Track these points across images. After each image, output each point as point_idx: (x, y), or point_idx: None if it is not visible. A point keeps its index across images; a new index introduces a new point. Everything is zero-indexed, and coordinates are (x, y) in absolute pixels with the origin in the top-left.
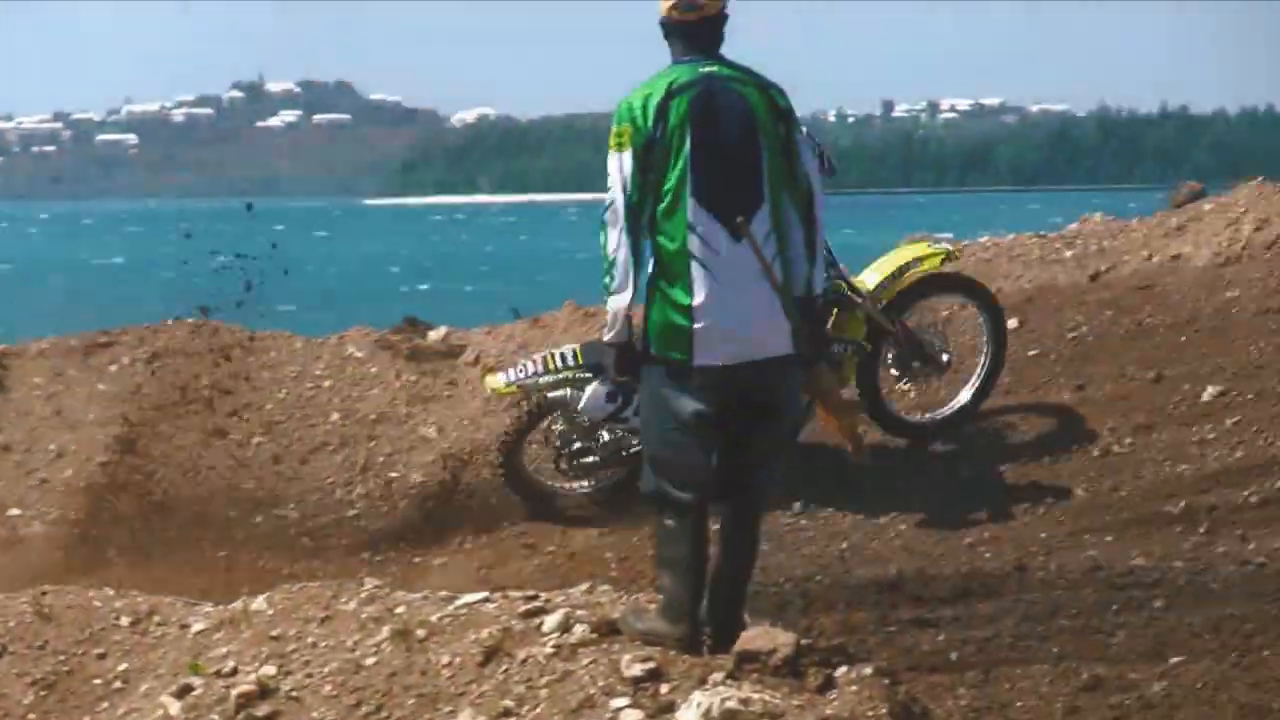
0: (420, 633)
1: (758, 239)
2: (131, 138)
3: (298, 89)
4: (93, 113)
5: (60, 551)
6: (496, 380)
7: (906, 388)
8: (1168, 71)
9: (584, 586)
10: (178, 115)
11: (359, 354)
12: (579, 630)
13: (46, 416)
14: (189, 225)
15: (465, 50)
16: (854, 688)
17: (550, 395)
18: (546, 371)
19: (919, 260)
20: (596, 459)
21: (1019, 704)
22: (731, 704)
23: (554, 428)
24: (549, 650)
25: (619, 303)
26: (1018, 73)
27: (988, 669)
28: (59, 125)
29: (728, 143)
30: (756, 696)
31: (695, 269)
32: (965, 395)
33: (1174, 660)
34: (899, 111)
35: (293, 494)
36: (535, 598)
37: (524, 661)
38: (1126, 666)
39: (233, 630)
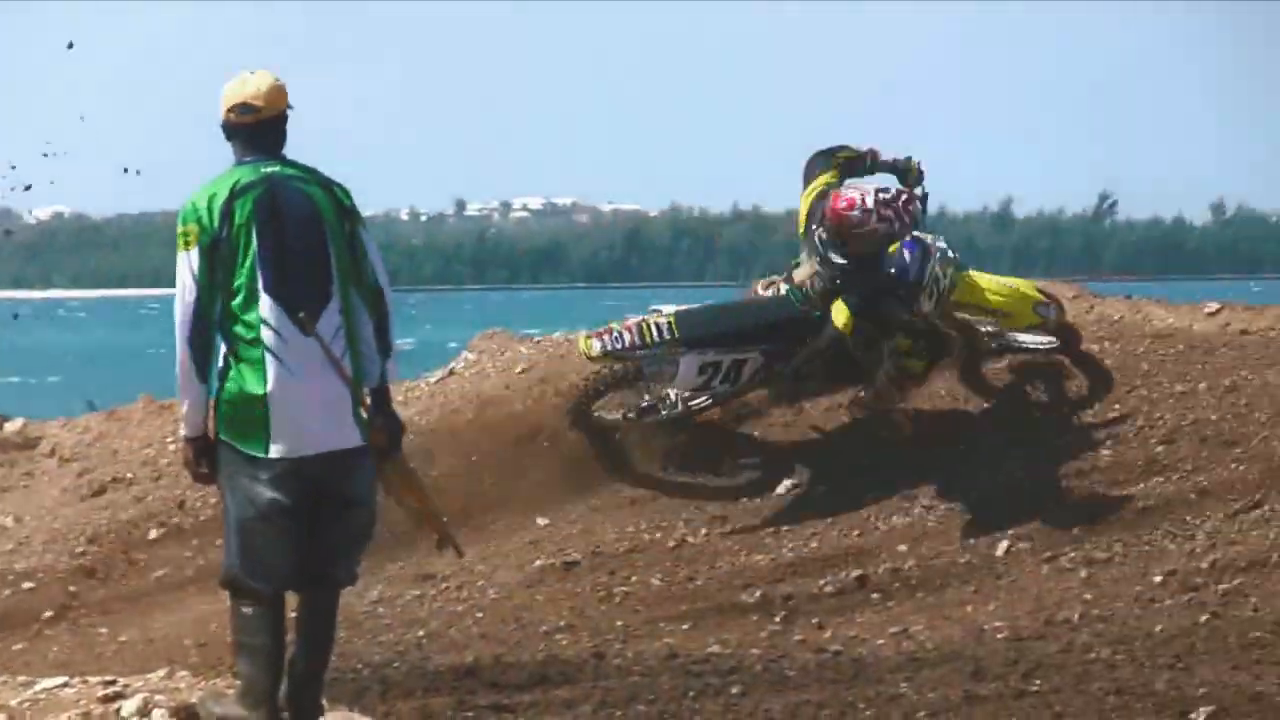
0: (1, 717)
1: (327, 334)
2: None
3: None
4: None
5: None
6: (592, 347)
7: None
8: (739, 172)
9: (163, 672)
10: None
11: None
12: (158, 715)
13: None
14: None
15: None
16: None
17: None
18: (643, 345)
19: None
20: (663, 414)
21: None
22: None
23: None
24: None
25: (190, 397)
26: (589, 173)
27: None
28: None
29: (295, 241)
30: None
31: (269, 361)
32: None
33: None
34: (471, 210)
35: None
36: (114, 683)
37: None
38: None
39: None
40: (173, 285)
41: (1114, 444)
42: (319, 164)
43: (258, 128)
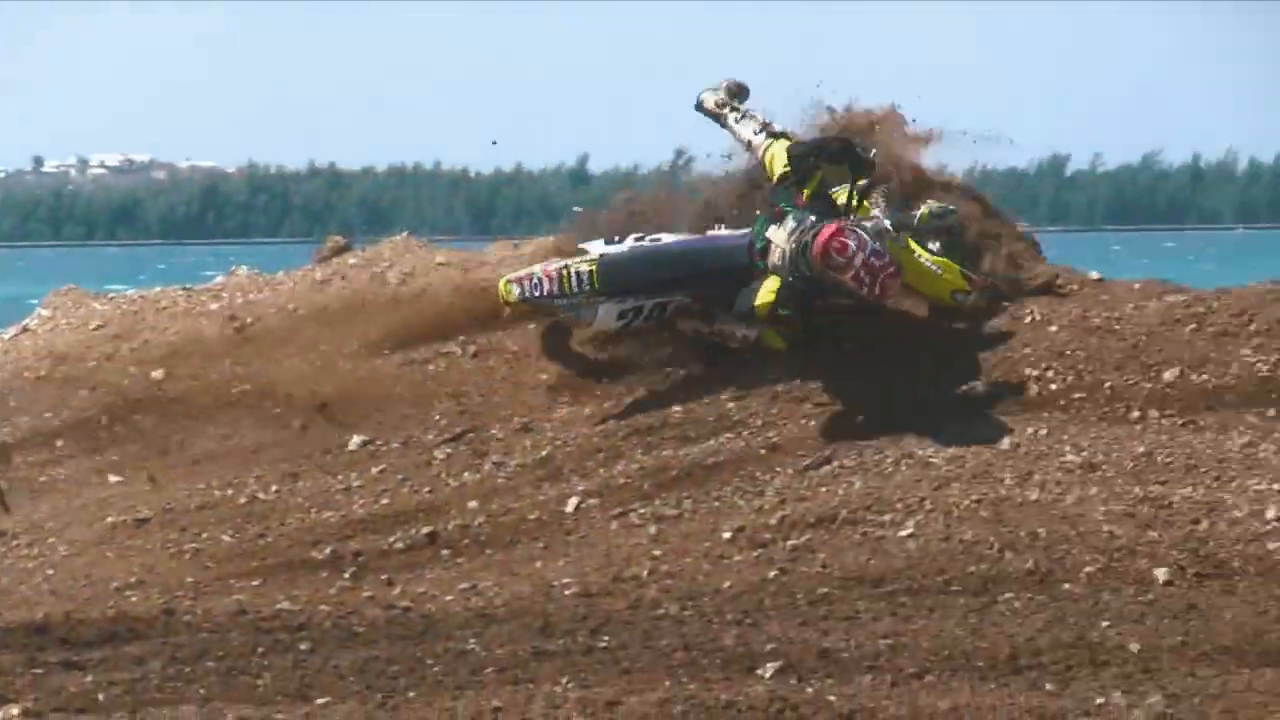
0: None
1: None
2: None
3: None
4: None
5: None
6: (510, 291)
7: None
8: (317, 131)
9: None
10: None
11: None
12: None
13: None
14: None
15: None
16: None
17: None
18: (562, 294)
19: None
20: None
21: None
22: None
23: None
24: None
25: None
26: (168, 131)
27: (134, 709)
28: None
29: None
30: None
31: None
32: None
33: (320, 701)
34: (49, 167)
35: None
36: None
37: None
38: (272, 708)
39: None
40: None
41: (685, 400)
42: None
43: None
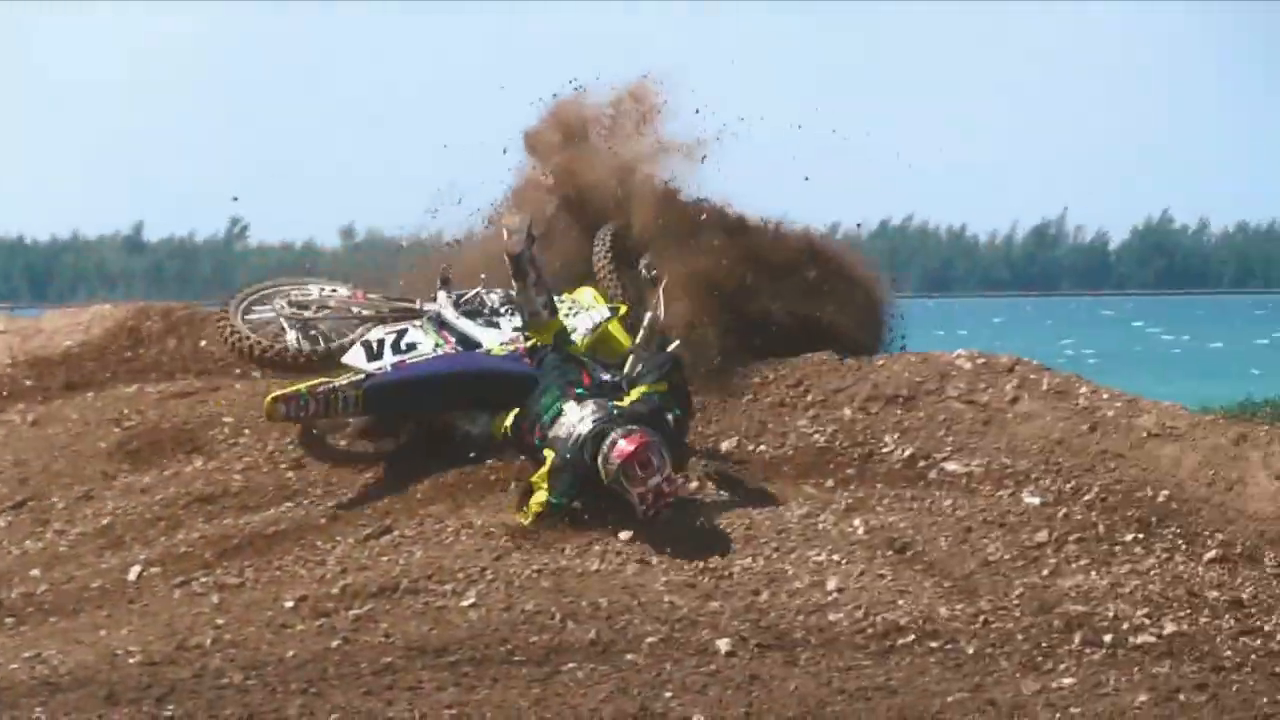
0: None
1: None
2: None
3: None
4: None
5: None
6: (276, 410)
7: None
8: None
9: None
10: None
11: None
12: None
13: None
14: None
15: None
16: None
17: None
18: (327, 415)
19: None
20: None
21: None
22: None
23: None
24: None
25: None
26: None
27: None
28: None
29: None
30: None
31: None
32: None
33: None
34: None
35: None
36: None
37: None
38: None
39: None
40: None
41: (244, 469)
42: None
43: None
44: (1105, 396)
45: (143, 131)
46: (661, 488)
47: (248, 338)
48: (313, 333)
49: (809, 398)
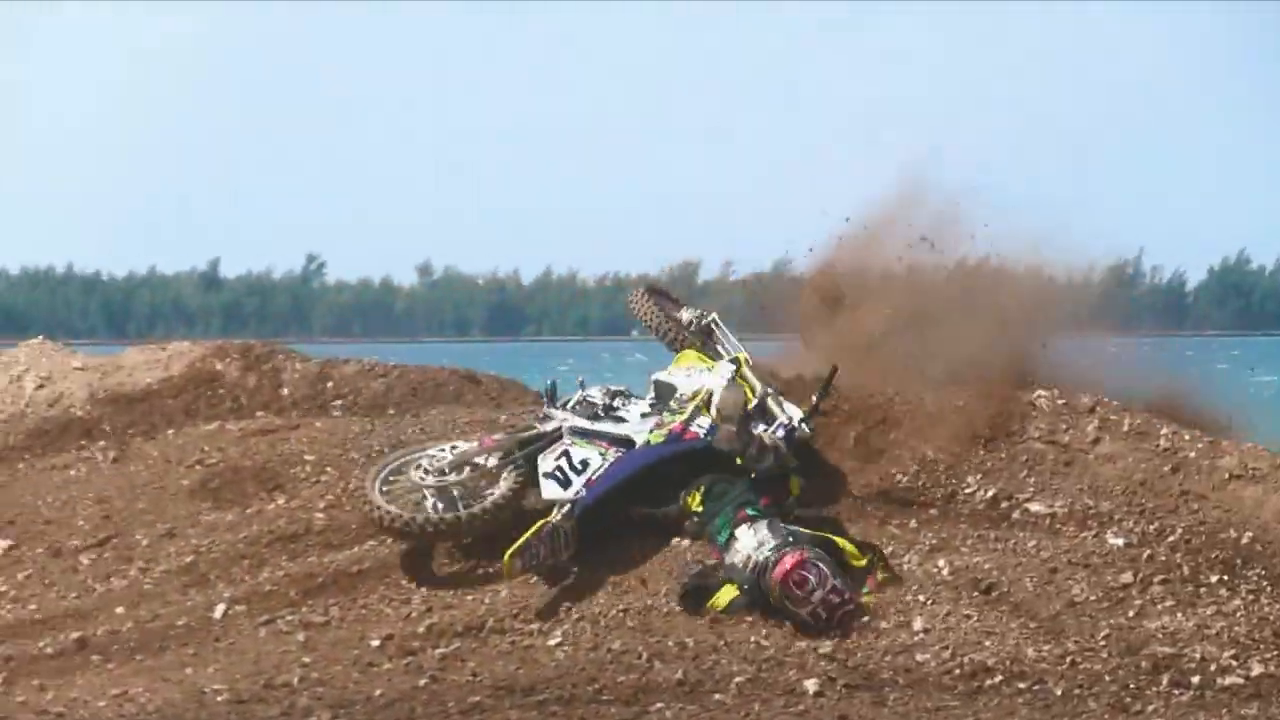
0: None
1: None
2: None
3: None
4: None
5: None
6: (514, 567)
7: None
8: None
9: None
10: None
11: None
12: None
13: None
14: None
15: None
16: None
17: None
18: (553, 553)
19: None
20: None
21: None
22: None
23: None
24: None
25: None
26: None
27: None
28: None
29: None
30: None
31: None
32: None
33: None
34: None
35: None
36: None
37: None
38: None
39: None
40: None
41: (328, 507)
42: None
43: None
44: (1186, 438)
45: (220, 168)
46: (829, 599)
47: (388, 512)
48: (452, 495)
49: (891, 437)
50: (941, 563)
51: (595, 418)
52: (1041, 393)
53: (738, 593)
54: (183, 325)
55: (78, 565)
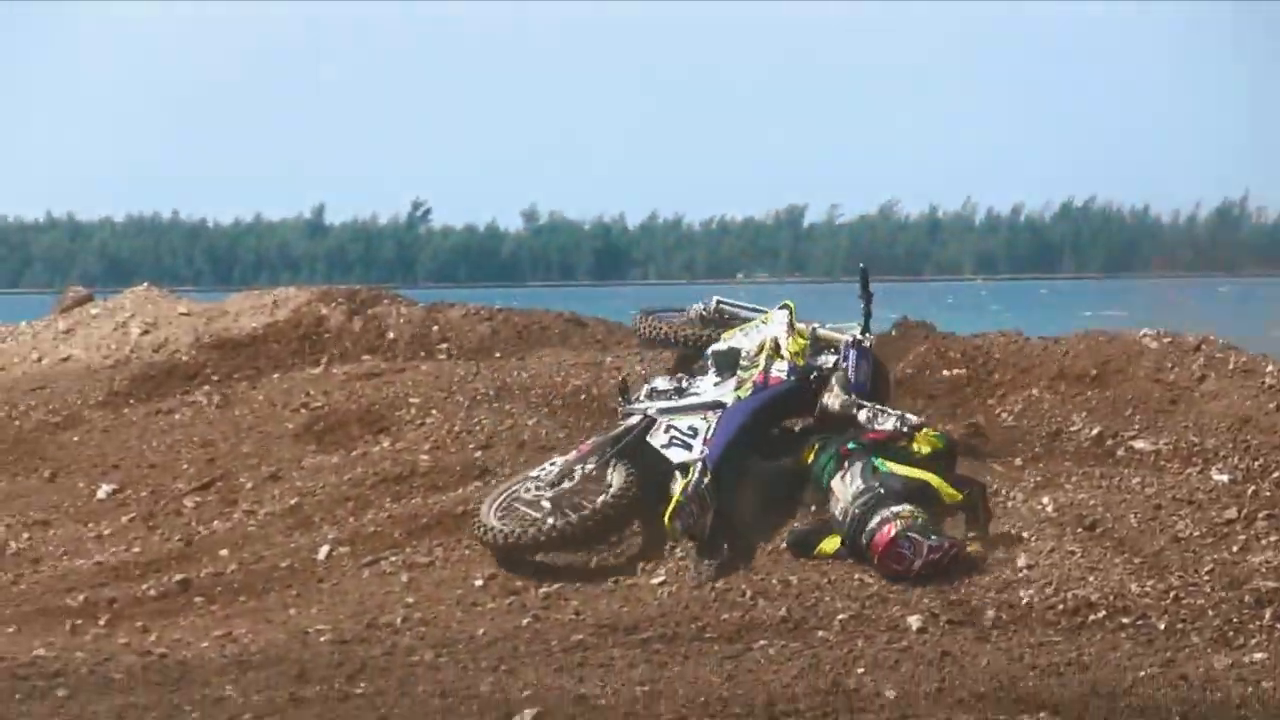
0: None
1: None
2: None
3: None
4: None
5: None
6: (676, 530)
7: None
8: (54, 181)
9: None
10: None
11: None
12: None
13: None
14: None
15: None
16: None
17: None
18: (702, 510)
19: None
20: None
21: None
22: None
23: None
24: None
25: None
26: None
27: None
28: None
29: None
30: None
31: None
32: None
33: None
34: None
35: None
36: None
37: None
38: None
39: None
40: None
41: (432, 449)
42: None
43: None
44: None
45: (326, 113)
46: (930, 559)
47: (503, 530)
48: (571, 502)
49: (996, 376)
50: (1046, 500)
51: (674, 399)
52: (1147, 331)
53: (840, 544)
54: (288, 272)
55: (182, 509)
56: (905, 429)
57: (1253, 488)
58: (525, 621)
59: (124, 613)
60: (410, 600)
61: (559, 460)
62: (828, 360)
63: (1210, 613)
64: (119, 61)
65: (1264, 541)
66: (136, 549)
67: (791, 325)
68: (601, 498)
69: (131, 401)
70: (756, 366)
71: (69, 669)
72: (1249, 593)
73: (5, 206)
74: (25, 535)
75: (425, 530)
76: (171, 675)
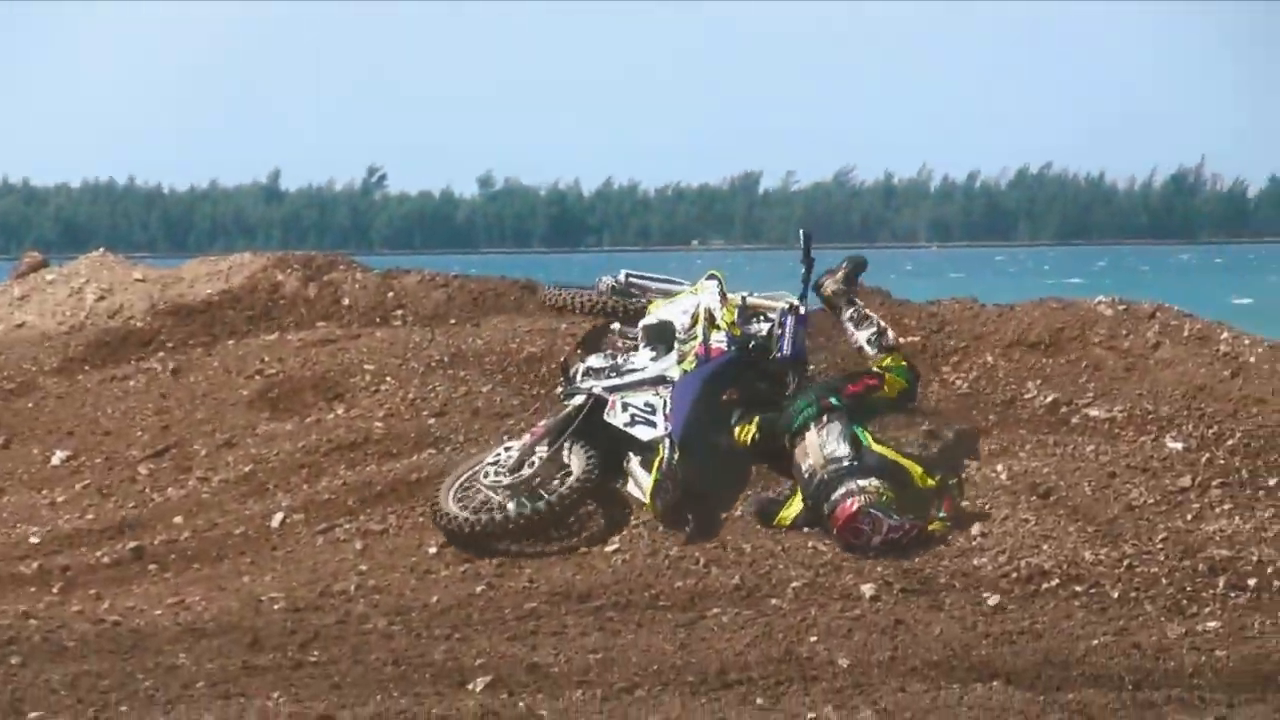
0: None
1: None
2: None
3: None
4: None
5: None
6: (656, 506)
7: None
8: (8, 147)
9: None
10: None
11: None
12: None
13: None
14: None
15: None
16: None
17: None
18: (677, 485)
19: None
20: None
21: None
22: None
23: None
24: None
25: None
26: None
27: None
28: None
29: None
30: None
31: None
32: None
33: (32, 715)
34: None
35: None
36: None
37: None
38: None
39: None
40: None
41: (386, 417)
42: None
43: None
44: (1247, 343)
45: (281, 80)
46: (889, 538)
47: (467, 519)
48: (530, 488)
49: (951, 344)
50: (1000, 468)
51: (615, 376)
52: (1102, 299)
53: (802, 508)
54: (243, 238)
55: (136, 475)
56: (883, 343)
57: (1207, 455)
58: (479, 589)
59: (78, 580)
60: (364, 568)
61: (514, 444)
62: (761, 328)
63: (1164, 581)
64: (76, 28)
65: (1218, 510)
66: (90, 516)
67: (723, 295)
68: (566, 483)
69: (86, 368)
70: (695, 339)
71: (22, 636)
72: (1202, 561)
73: None
74: None
75: (379, 498)
76: (125, 643)
